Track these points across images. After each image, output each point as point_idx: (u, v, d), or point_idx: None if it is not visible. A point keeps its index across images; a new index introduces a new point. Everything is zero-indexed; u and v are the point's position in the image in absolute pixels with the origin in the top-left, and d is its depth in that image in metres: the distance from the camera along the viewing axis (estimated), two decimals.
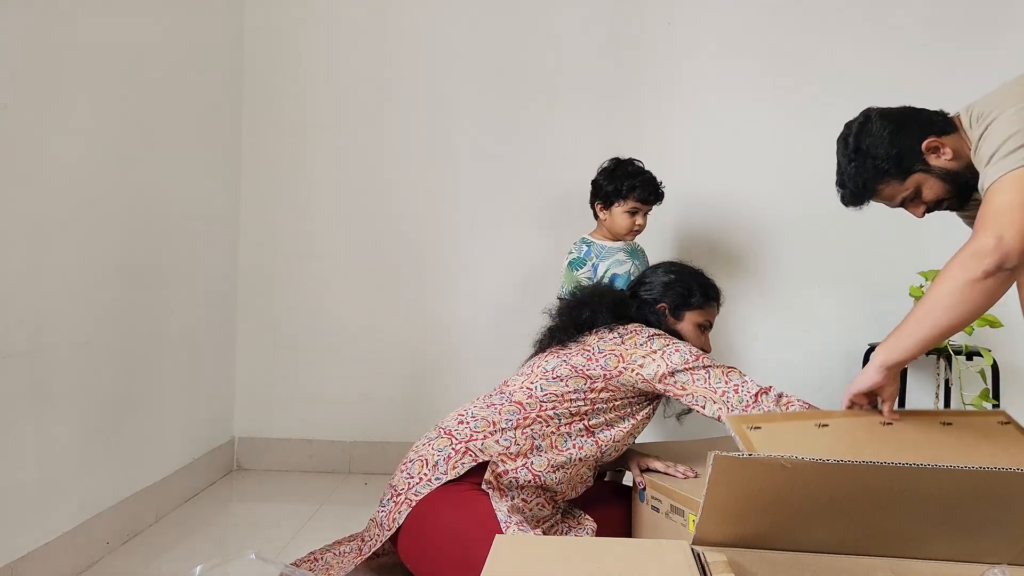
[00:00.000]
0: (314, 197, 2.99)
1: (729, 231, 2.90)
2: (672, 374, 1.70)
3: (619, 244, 2.37)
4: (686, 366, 1.70)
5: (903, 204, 1.64)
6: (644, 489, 1.80)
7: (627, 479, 1.99)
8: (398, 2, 2.97)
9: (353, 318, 2.97)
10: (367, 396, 2.96)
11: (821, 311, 2.92)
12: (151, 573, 2.01)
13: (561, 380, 1.73)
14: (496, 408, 1.73)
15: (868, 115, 1.63)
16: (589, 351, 1.76)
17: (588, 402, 1.72)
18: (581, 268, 2.37)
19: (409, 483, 1.63)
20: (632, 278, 2.31)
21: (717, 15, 2.90)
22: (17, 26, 1.78)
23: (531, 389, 1.74)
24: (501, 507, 1.57)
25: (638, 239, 2.45)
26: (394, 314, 2.97)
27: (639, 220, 2.34)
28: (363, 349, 2.97)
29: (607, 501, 1.93)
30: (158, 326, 2.40)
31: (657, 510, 1.74)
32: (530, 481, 1.66)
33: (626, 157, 2.38)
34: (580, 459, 1.71)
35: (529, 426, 1.69)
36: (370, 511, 1.86)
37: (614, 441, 1.75)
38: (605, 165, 2.39)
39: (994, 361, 2.56)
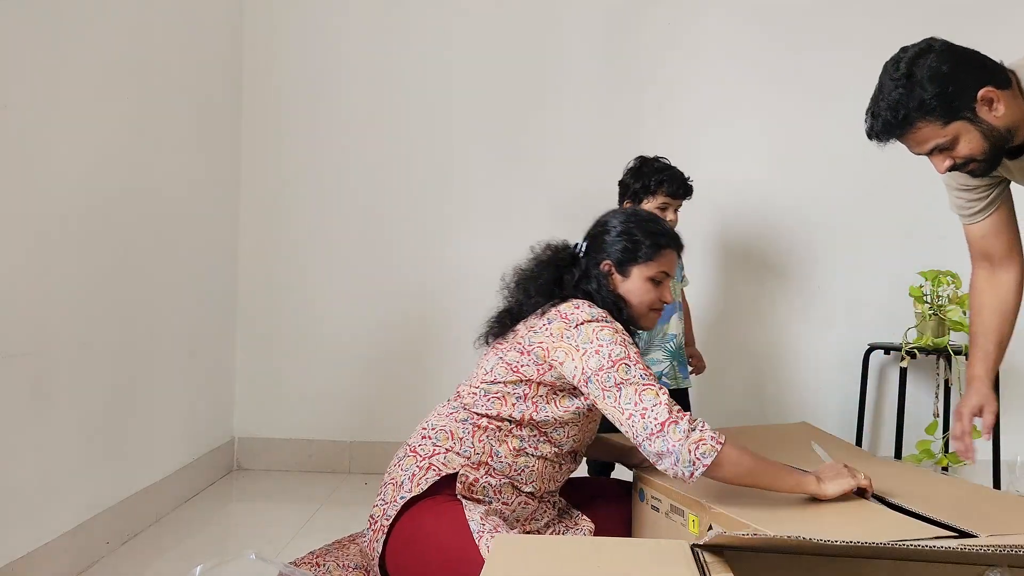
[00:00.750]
0: (314, 197, 2.99)
1: (729, 231, 2.90)
2: (587, 382, 1.54)
3: None
4: (598, 375, 1.52)
5: (931, 152, 1.49)
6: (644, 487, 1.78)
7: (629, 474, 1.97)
8: (398, 2, 2.97)
9: (353, 318, 2.97)
10: (367, 396, 2.97)
11: (821, 311, 2.92)
12: (151, 573, 2.01)
13: (500, 383, 1.63)
14: (452, 417, 1.67)
15: (931, 44, 1.46)
16: (520, 344, 1.64)
17: (531, 403, 1.62)
18: None
19: (383, 509, 1.61)
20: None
21: (717, 14, 2.90)
22: (17, 26, 1.78)
23: (476, 395, 1.66)
24: (475, 515, 1.53)
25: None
26: (394, 314, 2.97)
27: (670, 216, 2.29)
28: (363, 349, 2.97)
29: (607, 501, 1.90)
30: (158, 326, 2.40)
31: (657, 510, 1.74)
32: (500, 485, 1.62)
33: (652, 155, 2.35)
34: (539, 457, 1.65)
35: (483, 433, 1.62)
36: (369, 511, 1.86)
37: (569, 437, 1.66)
38: (631, 164, 2.35)
39: None
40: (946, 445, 2.70)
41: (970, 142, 1.45)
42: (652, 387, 1.49)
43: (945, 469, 2.69)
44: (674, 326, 2.34)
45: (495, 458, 1.62)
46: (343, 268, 2.98)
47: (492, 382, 1.64)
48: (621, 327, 1.60)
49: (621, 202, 2.37)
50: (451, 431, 1.64)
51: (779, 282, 2.93)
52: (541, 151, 2.93)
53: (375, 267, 2.99)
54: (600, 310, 1.62)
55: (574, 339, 1.56)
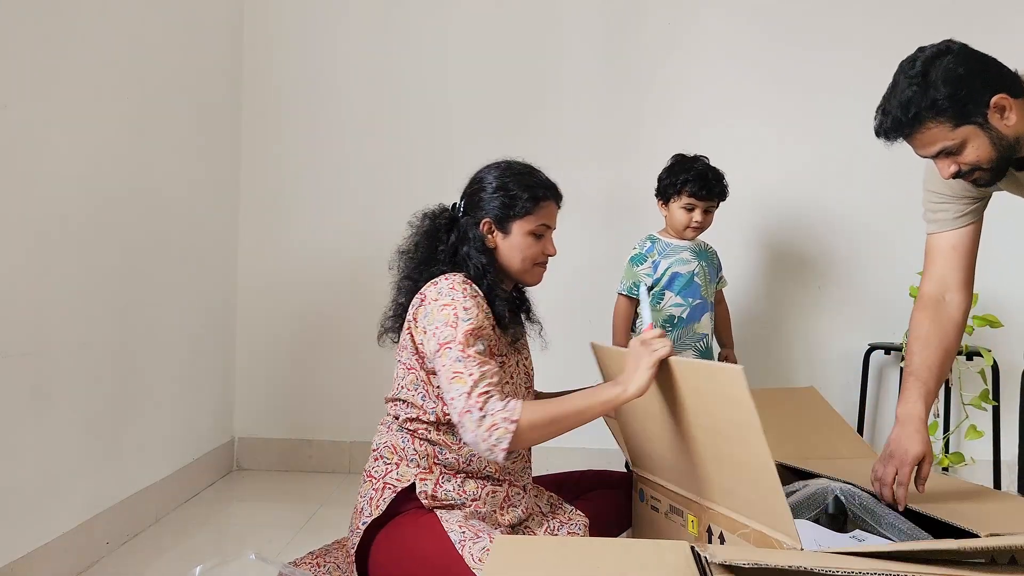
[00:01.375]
0: (314, 197, 2.99)
1: (729, 230, 2.90)
2: (432, 362, 1.51)
3: (686, 243, 2.34)
4: (432, 359, 1.50)
5: (937, 155, 1.47)
6: None
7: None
8: (398, 2, 2.97)
9: (353, 318, 2.97)
10: (367, 396, 2.96)
11: (821, 311, 2.92)
12: (151, 573, 2.01)
13: (406, 388, 1.60)
14: (390, 430, 1.64)
15: (949, 46, 1.45)
16: (404, 341, 1.61)
17: (435, 398, 1.58)
18: (641, 264, 2.33)
19: (351, 538, 1.60)
20: (697, 280, 2.32)
21: (718, 14, 2.90)
22: (17, 27, 1.78)
23: (396, 405, 1.64)
24: (452, 525, 1.50)
25: (711, 242, 2.43)
26: None
27: (696, 216, 2.27)
28: (363, 349, 2.97)
29: (600, 493, 1.88)
30: (158, 326, 2.40)
31: (656, 510, 1.74)
32: (460, 482, 1.59)
33: (692, 154, 2.33)
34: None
35: (419, 438, 1.60)
36: None
37: None
38: (669, 161, 2.35)
39: (994, 361, 2.56)
40: (946, 445, 2.70)
41: (978, 148, 1.44)
42: (460, 374, 1.44)
43: (945, 470, 2.69)
44: (705, 325, 2.34)
45: (441, 456, 1.59)
46: (343, 268, 2.98)
47: (399, 387, 1.63)
48: (465, 298, 1.53)
49: (657, 196, 2.35)
50: (393, 445, 1.62)
51: (779, 282, 2.93)
52: (540, 151, 2.92)
53: (375, 267, 2.98)
54: (454, 281, 1.57)
55: (425, 322, 1.54)
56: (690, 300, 2.32)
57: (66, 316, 1.96)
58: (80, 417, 2.02)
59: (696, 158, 2.32)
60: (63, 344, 1.95)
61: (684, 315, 2.32)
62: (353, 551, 1.58)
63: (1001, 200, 1.93)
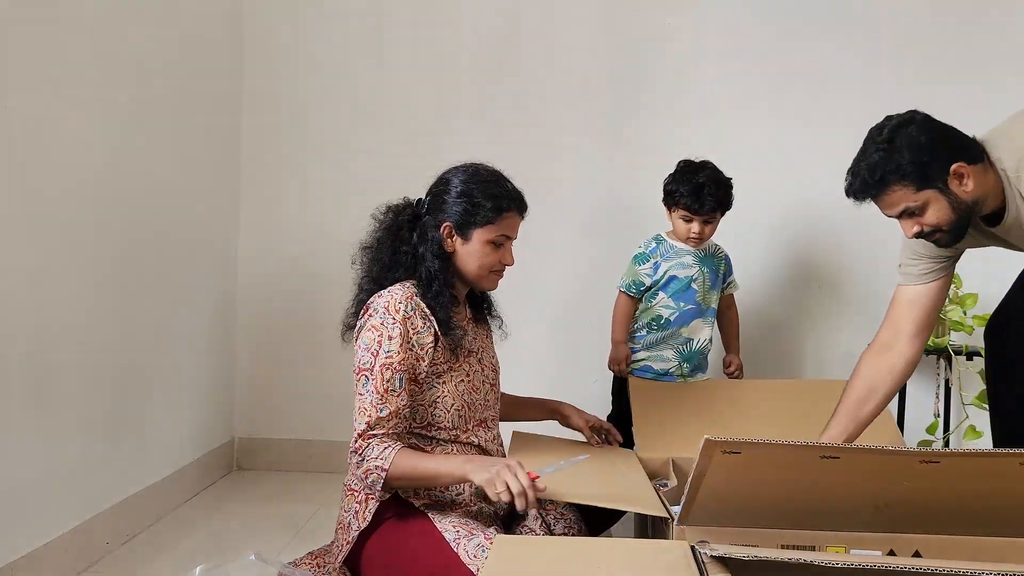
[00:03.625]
0: (314, 197, 2.99)
1: (729, 230, 2.90)
2: (354, 373, 1.57)
3: (690, 247, 2.33)
4: (358, 370, 1.55)
5: (901, 215, 1.61)
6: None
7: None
8: (398, 2, 2.97)
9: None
10: None
11: (822, 311, 2.92)
12: (151, 573, 2.01)
13: (360, 395, 1.58)
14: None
15: (913, 116, 1.60)
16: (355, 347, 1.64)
17: None
18: (643, 264, 2.32)
19: (337, 552, 1.60)
20: (694, 286, 2.31)
21: (718, 12, 2.90)
22: (17, 27, 1.78)
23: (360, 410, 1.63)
24: (447, 525, 1.51)
25: (723, 246, 2.44)
26: None
27: (695, 228, 2.24)
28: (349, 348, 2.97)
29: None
30: (158, 326, 2.40)
31: None
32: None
33: (699, 160, 2.29)
34: (451, 451, 1.62)
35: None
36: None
37: (450, 412, 1.62)
38: (676, 167, 2.30)
39: None
40: (946, 445, 2.70)
41: (938, 211, 1.57)
42: (363, 410, 1.52)
43: None
44: (695, 330, 2.34)
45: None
46: (343, 268, 2.98)
47: (359, 394, 1.60)
48: (394, 324, 1.55)
49: (663, 201, 2.33)
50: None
51: (779, 282, 2.93)
52: (540, 150, 2.92)
53: None
54: (392, 299, 1.58)
55: (359, 334, 1.60)
56: (681, 304, 2.31)
57: (66, 316, 1.96)
58: (80, 417, 2.02)
59: (701, 167, 2.25)
60: (63, 344, 1.95)
61: (672, 318, 2.32)
62: (339, 563, 1.58)
63: None
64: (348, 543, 1.58)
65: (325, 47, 2.98)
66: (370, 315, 1.59)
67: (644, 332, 2.34)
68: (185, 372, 2.60)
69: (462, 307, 1.75)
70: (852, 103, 2.77)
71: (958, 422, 2.67)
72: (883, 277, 2.87)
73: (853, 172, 1.62)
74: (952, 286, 2.60)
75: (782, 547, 1.18)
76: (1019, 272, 1.91)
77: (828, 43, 2.86)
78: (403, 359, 1.55)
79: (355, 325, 1.68)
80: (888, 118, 1.62)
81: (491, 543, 1.34)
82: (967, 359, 2.61)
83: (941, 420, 2.69)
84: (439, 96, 2.96)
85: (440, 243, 1.65)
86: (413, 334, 1.58)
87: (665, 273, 2.31)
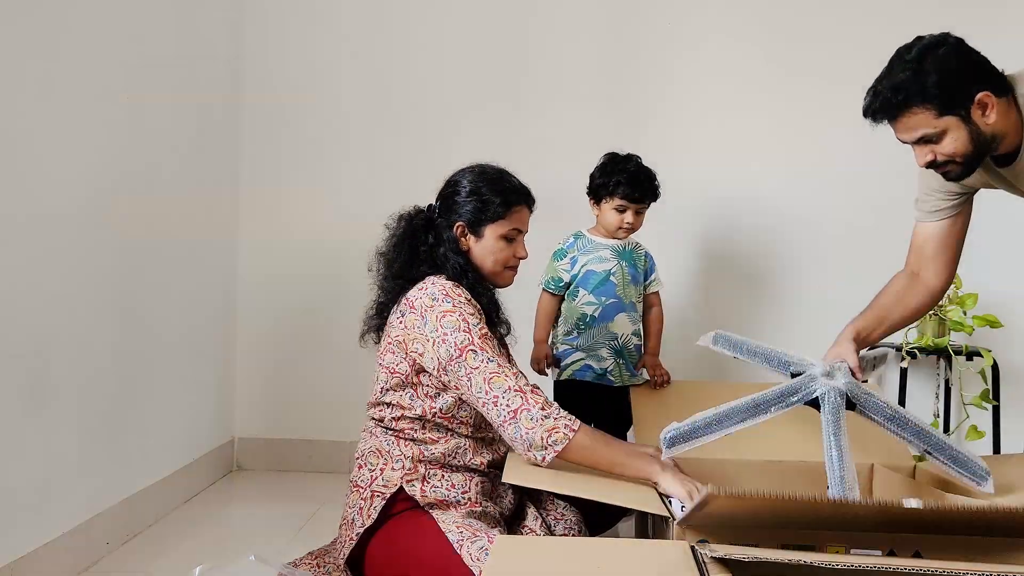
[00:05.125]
0: (314, 196, 2.99)
1: (730, 230, 2.90)
2: (444, 371, 1.55)
3: (609, 242, 2.31)
4: (451, 364, 1.53)
5: (917, 142, 1.54)
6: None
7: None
8: (397, 2, 2.97)
9: (353, 318, 2.97)
10: (367, 396, 2.96)
11: (822, 311, 2.92)
12: (151, 573, 2.01)
13: (389, 390, 1.62)
14: (373, 435, 1.65)
15: (946, 38, 1.52)
16: (390, 343, 1.64)
17: (424, 398, 1.60)
18: (561, 260, 2.32)
19: (340, 549, 1.60)
20: (613, 280, 2.29)
21: (717, 13, 2.90)
22: (17, 27, 1.78)
23: (379, 407, 1.66)
24: (451, 526, 1.51)
25: (644, 242, 2.41)
26: None
27: (628, 218, 2.25)
28: (364, 349, 2.97)
29: None
30: (158, 326, 2.40)
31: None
32: (447, 476, 1.59)
33: (624, 153, 2.31)
34: (464, 436, 1.62)
35: (405, 439, 1.61)
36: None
37: (478, 414, 1.61)
38: (601, 160, 2.32)
39: (994, 361, 2.56)
40: None
41: (956, 140, 1.50)
42: (500, 372, 1.51)
43: None
44: (620, 325, 2.29)
45: (427, 453, 1.60)
46: (344, 268, 2.98)
47: (383, 391, 1.64)
48: (465, 303, 1.58)
49: (589, 195, 2.33)
50: (378, 449, 1.63)
51: (778, 282, 2.93)
52: (540, 150, 2.92)
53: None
54: (445, 286, 1.61)
55: (423, 328, 1.57)
56: (603, 299, 2.28)
57: (66, 316, 1.96)
58: (80, 417, 2.02)
59: (629, 157, 2.27)
60: (63, 344, 1.95)
61: (596, 313, 2.29)
62: (342, 560, 1.58)
63: (1001, 201, 1.93)
64: (352, 540, 1.58)
65: (325, 46, 2.98)
66: (428, 306, 1.57)
67: (575, 334, 2.31)
68: (185, 372, 2.60)
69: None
70: (854, 102, 2.77)
71: (958, 422, 2.67)
72: (883, 279, 2.88)
73: (874, 91, 1.54)
74: (952, 286, 2.60)
75: (782, 547, 1.17)
76: None
77: (832, 40, 2.86)
78: (486, 327, 1.58)
79: (377, 326, 1.71)
80: (919, 38, 1.54)
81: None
82: (967, 359, 2.61)
83: (941, 420, 2.69)
84: (437, 93, 2.96)
85: (456, 242, 1.69)
86: (480, 313, 1.61)
87: (583, 268, 2.29)
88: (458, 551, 1.45)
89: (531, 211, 1.77)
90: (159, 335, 2.41)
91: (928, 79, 1.47)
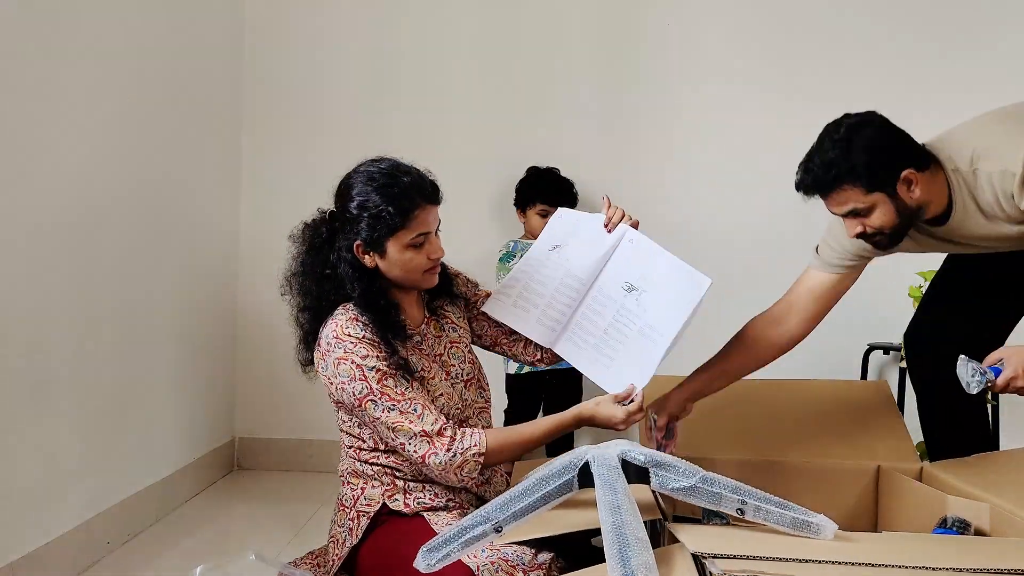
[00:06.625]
0: (314, 196, 2.97)
1: (729, 231, 2.90)
2: (357, 408, 1.48)
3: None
4: (357, 411, 1.49)
5: (846, 215, 1.63)
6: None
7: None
8: (397, 2, 2.97)
9: None
10: None
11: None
12: (151, 573, 2.01)
13: (343, 420, 1.57)
14: (346, 454, 1.62)
15: (872, 117, 1.61)
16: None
17: (365, 425, 1.55)
18: (511, 261, 2.55)
19: (331, 568, 1.58)
20: None
21: (717, 15, 2.90)
22: (17, 27, 1.78)
23: (341, 432, 1.62)
24: (442, 526, 1.49)
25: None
26: None
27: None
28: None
29: None
30: (158, 326, 2.40)
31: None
32: (430, 487, 1.56)
33: (544, 166, 2.63)
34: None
35: (376, 460, 1.56)
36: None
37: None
38: (524, 174, 2.64)
39: None
40: None
41: (884, 214, 1.59)
42: (403, 419, 1.45)
43: None
44: None
45: (400, 471, 1.56)
46: None
47: (341, 421, 1.60)
48: (357, 343, 1.47)
49: (515, 205, 2.66)
50: (355, 470, 1.60)
51: (778, 282, 2.92)
52: (539, 149, 2.92)
53: None
54: (339, 325, 1.50)
55: (326, 371, 1.50)
56: None
57: (66, 316, 1.96)
58: (80, 417, 2.02)
59: (548, 170, 2.64)
60: (63, 344, 1.95)
61: None
62: (333, 573, 1.57)
63: None
64: (341, 558, 1.57)
65: (326, 45, 2.98)
66: (326, 350, 1.50)
67: None
68: (185, 372, 2.60)
69: (416, 303, 1.65)
70: (852, 105, 2.77)
71: None
72: (881, 279, 2.89)
73: (806, 167, 1.62)
74: None
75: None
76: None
77: (831, 41, 2.86)
78: (388, 362, 1.48)
79: (309, 360, 1.60)
80: (846, 115, 1.62)
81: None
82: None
83: None
84: (436, 93, 2.96)
85: (359, 264, 1.53)
86: (375, 348, 1.50)
87: None
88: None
89: (437, 204, 1.56)
90: (159, 335, 2.41)
91: (857, 158, 1.55)
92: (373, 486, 1.58)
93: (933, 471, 1.72)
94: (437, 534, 1.46)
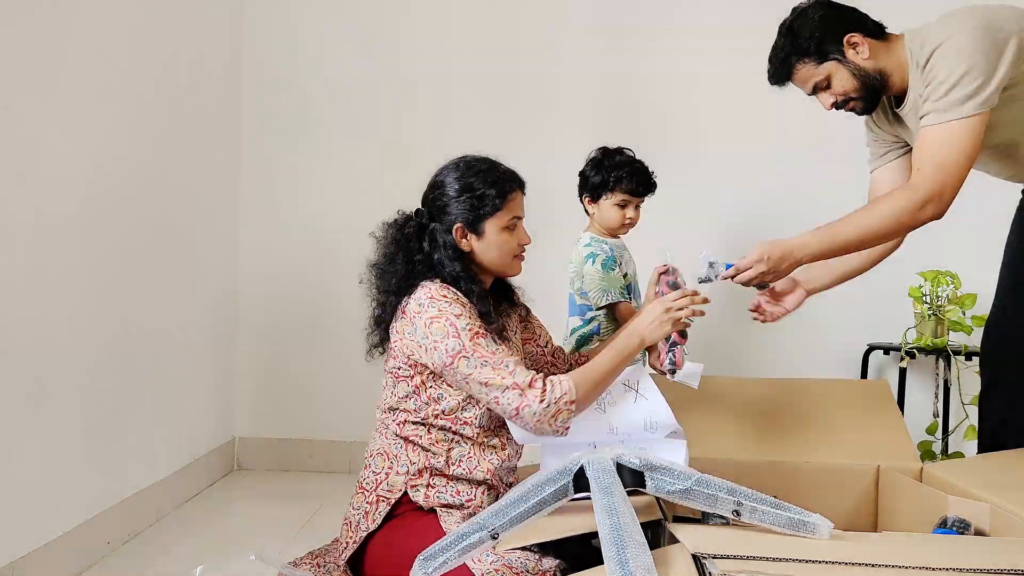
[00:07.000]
0: (314, 196, 2.99)
1: (728, 228, 2.90)
2: (442, 373, 1.55)
3: (616, 240, 2.22)
4: (448, 370, 1.52)
5: (815, 91, 1.74)
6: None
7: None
8: (397, 2, 2.97)
9: (354, 318, 2.96)
10: (367, 396, 2.96)
11: (821, 311, 2.92)
12: (151, 573, 2.01)
13: (397, 395, 1.61)
14: (383, 436, 1.64)
15: (812, 2, 1.74)
16: (393, 351, 1.63)
17: (428, 400, 1.59)
18: (615, 269, 2.16)
19: (342, 550, 1.60)
20: (637, 279, 2.24)
21: (717, 13, 2.90)
22: (18, 28, 1.78)
23: (388, 412, 1.64)
24: (451, 526, 1.50)
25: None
26: None
27: (629, 213, 2.15)
28: (364, 349, 2.97)
29: None
30: (158, 326, 2.40)
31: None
32: (452, 484, 1.58)
33: (615, 146, 2.19)
34: (470, 441, 1.60)
35: (411, 443, 1.59)
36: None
37: (479, 413, 1.59)
38: (592, 155, 2.19)
39: None
40: (945, 446, 2.70)
41: (842, 80, 1.71)
42: (496, 374, 1.50)
43: None
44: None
45: (431, 460, 1.58)
46: (343, 267, 2.98)
47: (390, 397, 1.63)
48: (452, 303, 1.55)
49: (580, 195, 2.21)
50: (386, 451, 1.62)
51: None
52: (539, 150, 2.93)
53: None
54: (431, 289, 1.57)
55: (414, 335, 1.56)
56: (640, 302, 2.17)
57: (66, 316, 1.96)
58: (80, 417, 2.02)
59: (622, 150, 2.16)
60: (63, 344, 1.95)
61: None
62: (343, 560, 1.58)
63: (1001, 201, 1.94)
64: (355, 542, 1.58)
65: (326, 46, 2.98)
66: (416, 312, 1.56)
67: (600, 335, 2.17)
68: (185, 372, 2.60)
69: (490, 301, 1.72)
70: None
71: (957, 422, 2.67)
72: (881, 279, 2.89)
73: (769, 61, 1.77)
74: (951, 286, 2.61)
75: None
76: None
77: None
78: (479, 324, 1.55)
79: (379, 343, 1.68)
80: (793, 8, 1.76)
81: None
82: (966, 359, 2.61)
83: (940, 420, 2.70)
84: (436, 92, 2.96)
85: (455, 246, 1.63)
86: (468, 310, 1.57)
87: (630, 274, 2.21)
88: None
89: (524, 194, 1.71)
90: (159, 335, 2.41)
91: (799, 37, 1.70)
92: (398, 472, 1.59)
93: (933, 471, 1.73)
94: (446, 532, 1.47)
